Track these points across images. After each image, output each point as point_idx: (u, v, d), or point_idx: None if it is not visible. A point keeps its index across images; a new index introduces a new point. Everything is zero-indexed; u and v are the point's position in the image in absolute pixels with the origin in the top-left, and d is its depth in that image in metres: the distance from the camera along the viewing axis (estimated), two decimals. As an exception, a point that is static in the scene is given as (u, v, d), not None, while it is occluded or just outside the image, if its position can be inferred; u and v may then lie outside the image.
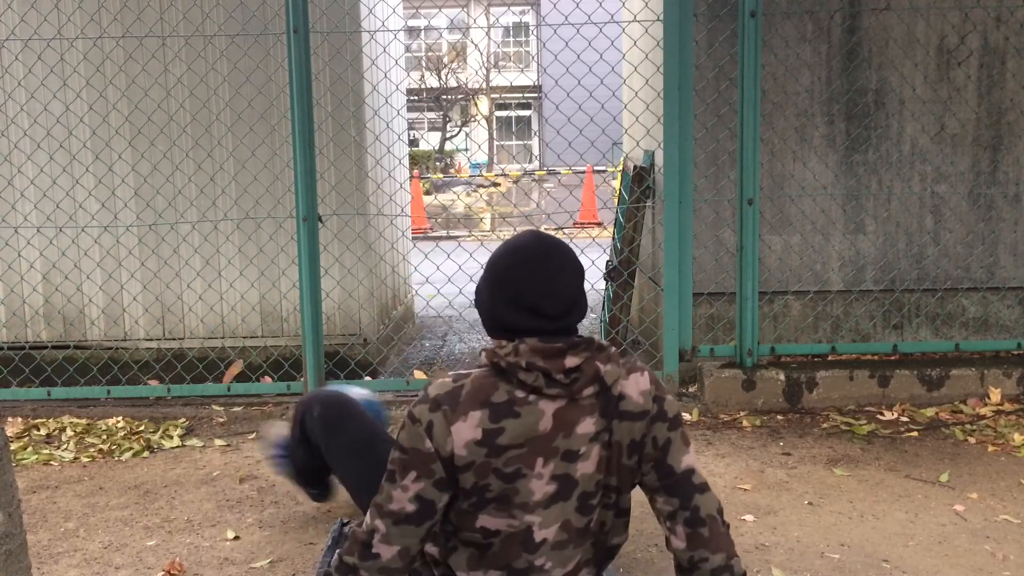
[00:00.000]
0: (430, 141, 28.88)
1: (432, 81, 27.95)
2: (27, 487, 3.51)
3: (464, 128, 29.94)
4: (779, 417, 4.18)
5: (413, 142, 27.74)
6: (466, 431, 1.75)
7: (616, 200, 5.92)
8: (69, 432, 4.18)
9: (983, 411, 4.13)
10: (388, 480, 1.81)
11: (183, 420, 4.34)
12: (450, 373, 1.86)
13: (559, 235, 1.95)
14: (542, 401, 1.77)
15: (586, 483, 1.81)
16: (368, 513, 1.85)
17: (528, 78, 28.63)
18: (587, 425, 1.79)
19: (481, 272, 1.93)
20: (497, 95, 29.22)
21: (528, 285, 1.79)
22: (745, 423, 4.11)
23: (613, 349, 1.86)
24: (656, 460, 1.84)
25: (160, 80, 4.97)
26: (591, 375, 1.78)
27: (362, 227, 5.08)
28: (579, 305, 1.86)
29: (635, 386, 1.83)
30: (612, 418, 1.80)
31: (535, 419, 1.77)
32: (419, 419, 1.78)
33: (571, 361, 1.76)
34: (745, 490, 3.32)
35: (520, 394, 1.76)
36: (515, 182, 21.48)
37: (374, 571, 1.81)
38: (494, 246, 2.03)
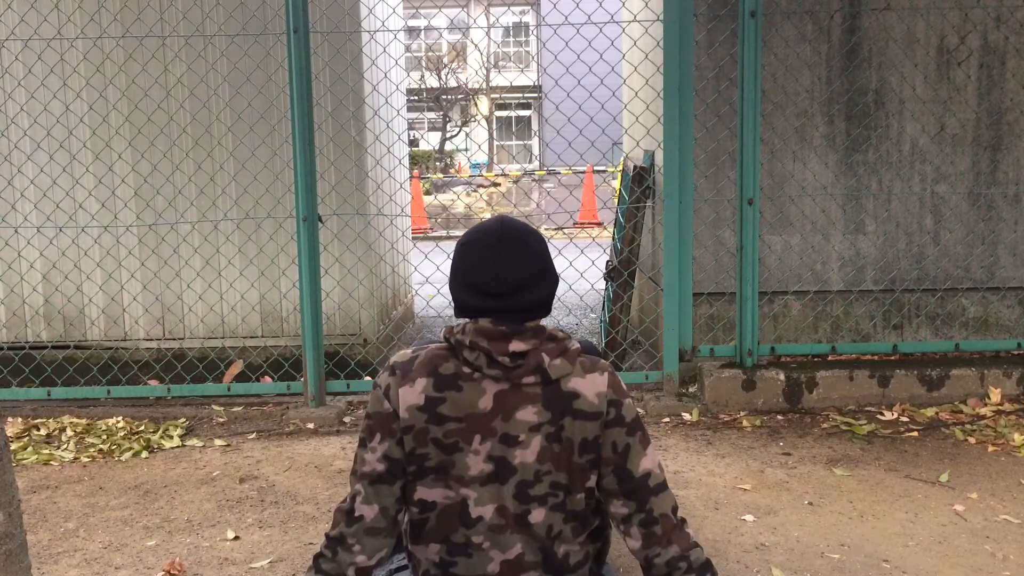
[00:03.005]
0: (430, 141, 28.86)
1: (432, 81, 27.94)
2: (27, 487, 3.51)
3: (464, 128, 29.93)
4: (779, 417, 4.18)
5: (413, 142, 27.73)
6: (411, 396, 1.83)
7: (616, 200, 5.92)
8: (69, 432, 4.18)
9: (983, 411, 4.13)
10: (360, 446, 1.90)
11: (183, 420, 4.34)
12: (413, 346, 1.94)
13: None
14: (485, 381, 1.81)
15: (524, 472, 1.82)
16: (349, 483, 1.92)
17: (528, 78, 28.62)
18: (528, 413, 1.81)
19: None
20: (497, 95, 29.21)
21: (476, 263, 1.84)
22: (745, 423, 4.11)
23: (572, 345, 1.86)
24: (616, 465, 1.85)
25: (160, 80, 4.97)
26: (533, 365, 1.80)
27: (362, 227, 5.08)
28: (532, 288, 1.84)
29: (591, 386, 1.83)
30: (563, 414, 1.81)
31: (476, 396, 1.81)
32: (379, 384, 1.88)
33: (516, 346, 1.80)
34: (745, 490, 3.32)
35: (467, 370, 1.82)
36: (515, 182, 21.48)
37: (360, 535, 1.86)
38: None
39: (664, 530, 1.84)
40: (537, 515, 1.84)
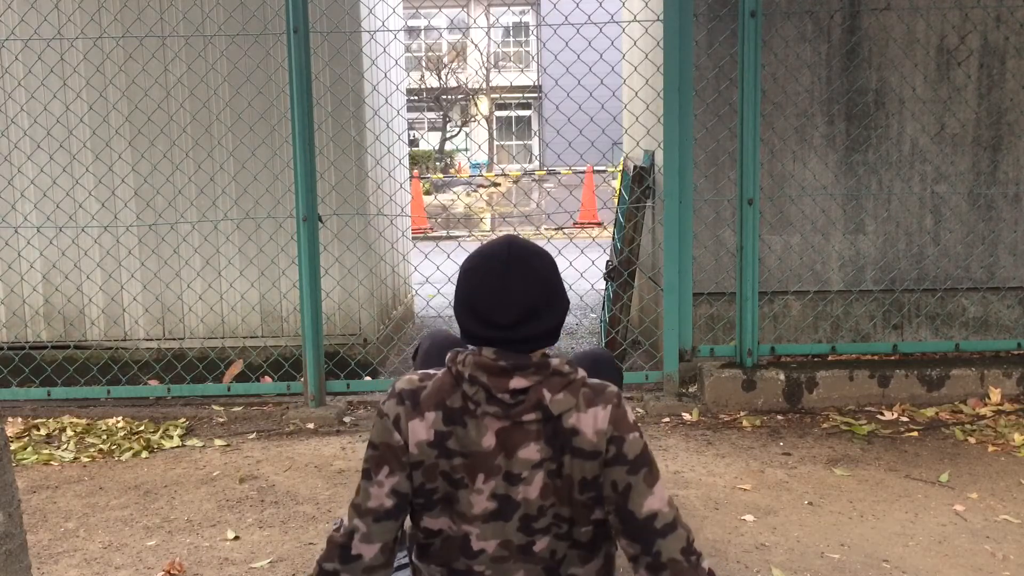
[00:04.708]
0: (430, 141, 28.86)
1: (432, 81, 27.94)
2: (27, 487, 3.51)
3: (464, 128, 29.93)
4: (779, 417, 4.18)
5: (413, 142, 27.73)
6: (421, 431, 1.76)
7: (616, 200, 5.92)
8: (69, 432, 4.18)
9: (983, 411, 4.13)
10: (364, 478, 1.82)
11: (183, 420, 4.34)
12: (418, 372, 1.86)
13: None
14: (487, 418, 1.74)
15: (528, 507, 1.77)
16: (346, 515, 1.85)
17: (528, 78, 28.62)
18: (530, 451, 1.74)
19: None
20: (497, 95, 29.21)
21: (480, 291, 1.76)
22: (745, 423, 4.11)
23: (577, 375, 1.78)
24: (617, 505, 1.77)
25: (160, 80, 4.97)
26: (534, 402, 1.73)
27: (362, 227, 5.08)
28: (540, 317, 1.77)
29: (591, 423, 1.74)
30: (563, 451, 1.75)
31: (479, 434, 1.75)
32: (387, 414, 1.80)
33: (517, 383, 1.72)
34: (745, 490, 3.32)
35: (470, 405, 1.75)
36: (515, 182, 21.48)
37: (358, 573, 1.80)
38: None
39: (674, 575, 1.75)
40: (541, 544, 1.80)
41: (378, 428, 1.81)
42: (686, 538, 1.78)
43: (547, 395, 1.73)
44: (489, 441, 1.75)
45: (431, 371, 1.84)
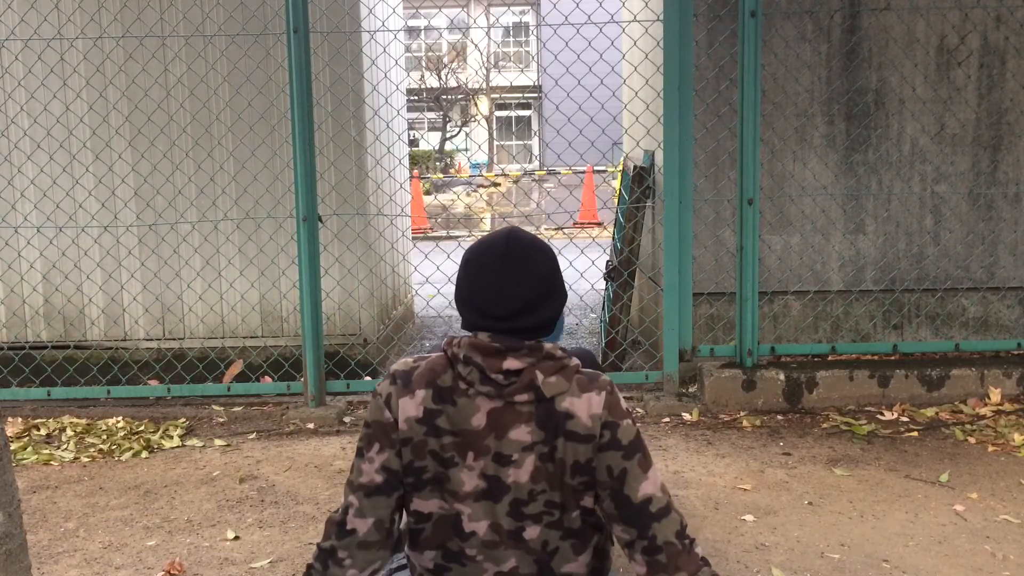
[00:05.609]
0: (430, 141, 28.86)
1: (432, 81, 27.94)
2: (27, 487, 3.51)
3: (464, 128, 29.93)
4: (779, 417, 4.18)
5: (413, 142, 27.72)
6: (410, 407, 1.79)
7: (616, 200, 5.92)
8: (69, 432, 4.18)
9: (983, 411, 4.13)
10: (357, 456, 1.86)
11: (183, 420, 4.34)
12: (414, 355, 1.90)
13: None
14: (479, 397, 1.77)
15: (518, 491, 1.78)
16: (343, 493, 1.89)
17: (528, 78, 28.61)
18: (521, 432, 1.76)
19: None
20: (497, 95, 29.21)
21: (478, 284, 1.80)
22: (745, 423, 4.11)
23: (570, 362, 1.81)
24: (612, 490, 1.79)
25: (160, 80, 4.97)
26: (526, 382, 1.75)
27: (362, 227, 5.08)
28: (536, 311, 1.80)
29: (585, 407, 1.77)
30: (557, 435, 1.76)
31: (470, 413, 1.78)
32: (380, 393, 1.84)
33: (510, 364, 1.75)
34: (745, 490, 3.32)
35: (462, 385, 1.79)
36: (515, 182, 21.49)
37: (353, 548, 1.82)
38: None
39: (669, 557, 1.77)
40: (532, 532, 1.81)
41: (371, 407, 1.86)
42: (680, 522, 1.81)
43: (540, 376, 1.76)
44: (480, 420, 1.77)
45: (425, 355, 1.88)
